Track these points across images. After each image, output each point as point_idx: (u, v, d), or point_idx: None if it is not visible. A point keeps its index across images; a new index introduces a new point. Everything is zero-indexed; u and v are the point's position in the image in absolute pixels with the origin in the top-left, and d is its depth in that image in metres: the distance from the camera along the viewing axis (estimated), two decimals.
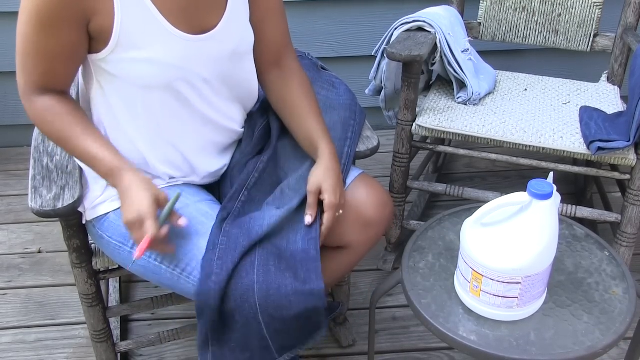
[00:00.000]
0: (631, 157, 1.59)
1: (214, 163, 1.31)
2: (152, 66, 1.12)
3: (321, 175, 1.22)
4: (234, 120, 1.31)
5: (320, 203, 1.22)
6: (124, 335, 1.73)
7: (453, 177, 2.37)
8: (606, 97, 1.86)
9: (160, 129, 1.20)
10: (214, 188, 1.36)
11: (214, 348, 1.16)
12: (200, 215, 1.20)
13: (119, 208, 1.21)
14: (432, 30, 1.72)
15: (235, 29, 1.21)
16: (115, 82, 1.14)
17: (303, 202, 1.24)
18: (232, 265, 1.12)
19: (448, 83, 1.86)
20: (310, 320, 1.15)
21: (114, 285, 1.83)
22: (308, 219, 1.20)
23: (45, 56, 1.10)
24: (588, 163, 1.82)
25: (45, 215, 1.19)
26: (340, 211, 1.24)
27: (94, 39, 1.09)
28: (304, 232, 1.20)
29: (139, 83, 1.13)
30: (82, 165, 1.28)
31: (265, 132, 1.37)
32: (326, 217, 1.21)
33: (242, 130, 1.34)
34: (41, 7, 1.05)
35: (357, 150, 1.38)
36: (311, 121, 1.29)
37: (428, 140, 1.89)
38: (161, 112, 1.18)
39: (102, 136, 1.17)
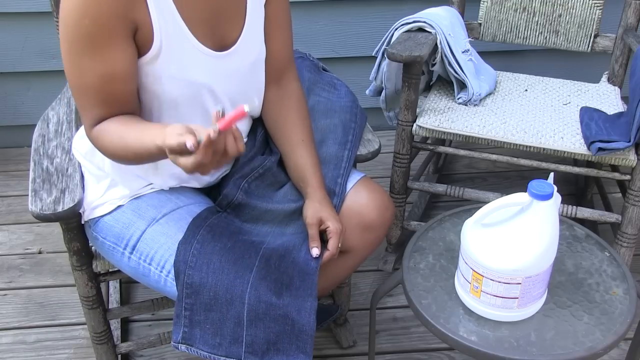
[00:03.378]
0: (631, 158, 1.59)
1: (217, 172, 1.32)
2: (180, 82, 1.12)
3: (318, 207, 1.22)
4: (242, 132, 1.30)
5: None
6: (125, 336, 1.73)
7: (453, 178, 2.37)
8: (606, 97, 1.86)
9: None
10: (212, 189, 1.36)
11: (185, 328, 1.13)
12: (190, 217, 1.21)
13: (114, 210, 1.23)
14: (433, 31, 1.72)
15: (253, 42, 1.22)
16: (140, 93, 1.13)
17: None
18: (223, 241, 1.14)
19: (448, 83, 1.86)
20: (292, 329, 1.12)
21: (114, 285, 1.83)
22: (315, 251, 1.19)
23: (105, 80, 1.06)
24: (588, 164, 1.82)
25: (45, 219, 1.18)
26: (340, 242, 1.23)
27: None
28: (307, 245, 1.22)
29: (165, 97, 1.13)
30: (84, 164, 1.28)
31: (266, 137, 1.37)
32: (331, 244, 1.20)
33: (246, 139, 1.34)
34: (90, 29, 1.02)
35: (359, 153, 1.38)
36: (303, 152, 1.28)
37: (428, 141, 1.89)
38: (182, 123, 1.18)
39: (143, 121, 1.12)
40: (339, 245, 1.21)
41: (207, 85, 1.16)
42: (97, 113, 1.09)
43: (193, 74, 1.13)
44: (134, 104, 1.11)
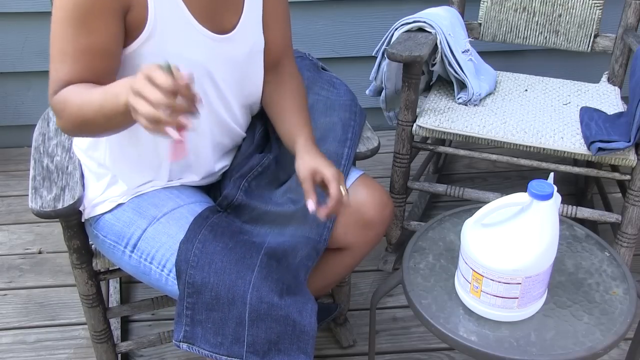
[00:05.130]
0: (631, 158, 1.59)
1: (217, 164, 1.32)
2: (180, 62, 1.12)
3: (308, 158, 1.18)
4: (240, 125, 1.32)
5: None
6: (125, 336, 1.73)
7: (453, 178, 2.37)
8: (606, 97, 1.86)
9: None
10: (212, 188, 1.37)
11: (187, 327, 1.14)
12: (191, 216, 1.21)
13: (115, 208, 1.23)
14: (433, 31, 1.72)
15: (251, 30, 1.23)
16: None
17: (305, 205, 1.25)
18: (225, 240, 1.14)
19: (448, 83, 1.86)
20: (294, 330, 1.12)
21: (114, 285, 1.83)
22: (310, 204, 1.14)
23: (85, 53, 1.05)
24: (588, 164, 1.82)
25: (45, 216, 1.19)
26: (345, 190, 1.16)
27: (127, 30, 1.08)
28: (305, 250, 1.22)
29: None
30: (84, 162, 1.28)
31: (265, 135, 1.38)
32: (333, 188, 1.14)
33: (245, 134, 1.35)
34: (81, 2, 1.02)
35: (358, 150, 1.38)
36: (292, 115, 1.28)
37: (428, 141, 1.89)
38: None
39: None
40: (343, 190, 1.15)
41: (205, 67, 1.16)
42: (67, 81, 1.07)
43: (191, 53, 1.13)
44: (109, 81, 1.07)
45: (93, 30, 1.04)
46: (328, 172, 1.15)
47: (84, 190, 1.24)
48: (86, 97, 1.03)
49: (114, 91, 0.98)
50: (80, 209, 1.24)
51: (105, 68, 1.08)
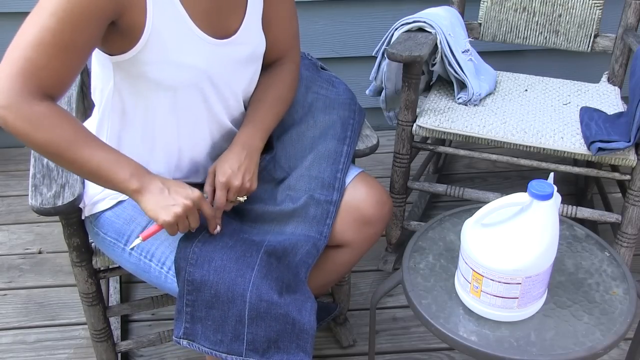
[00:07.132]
0: (631, 158, 1.59)
1: None
2: (179, 68, 1.12)
3: (223, 157, 1.22)
4: (236, 120, 1.31)
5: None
6: (124, 336, 1.73)
7: (453, 178, 2.37)
8: (606, 97, 1.86)
9: (179, 131, 1.21)
10: None
11: (187, 324, 1.14)
12: None
13: (115, 205, 1.24)
14: (433, 31, 1.72)
15: (253, 33, 1.23)
16: (137, 84, 1.13)
17: (305, 202, 1.25)
18: (226, 240, 1.15)
19: (448, 83, 1.87)
20: (293, 328, 1.13)
21: (114, 285, 1.83)
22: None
23: (64, 50, 1.02)
24: (588, 164, 1.82)
25: (45, 212, 1.19)
26: (243, 198, 1.22)
27: (123, 36, 1.07)
28: (305, 247, 1.22)
29: (165, 84, 1.13)
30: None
31: None
32: (216, 195, 1.19)
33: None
34: (75, 3, 1.00)
35: (357, 148, 1.39)
36: (258, 108, 1.28)
37: (428, 141, 1.89)
38: (182, 113, 1.19)
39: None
40: (225, 198, 1.19)
41: (206, 72, 1.16)
42: (45, 78, 1.03)
43: (192, 59, 1.13)
44: (74, 80, 1.08)
45: (80, 31, 1.02)
46: (219, 178, 1.19)
47: (84, 187, 1.25)
48: (83, 144, 1.06)
49: (123, 172, 1.07)
50: (80, 206, 1.24)
51: (76, 67, 1.06)
